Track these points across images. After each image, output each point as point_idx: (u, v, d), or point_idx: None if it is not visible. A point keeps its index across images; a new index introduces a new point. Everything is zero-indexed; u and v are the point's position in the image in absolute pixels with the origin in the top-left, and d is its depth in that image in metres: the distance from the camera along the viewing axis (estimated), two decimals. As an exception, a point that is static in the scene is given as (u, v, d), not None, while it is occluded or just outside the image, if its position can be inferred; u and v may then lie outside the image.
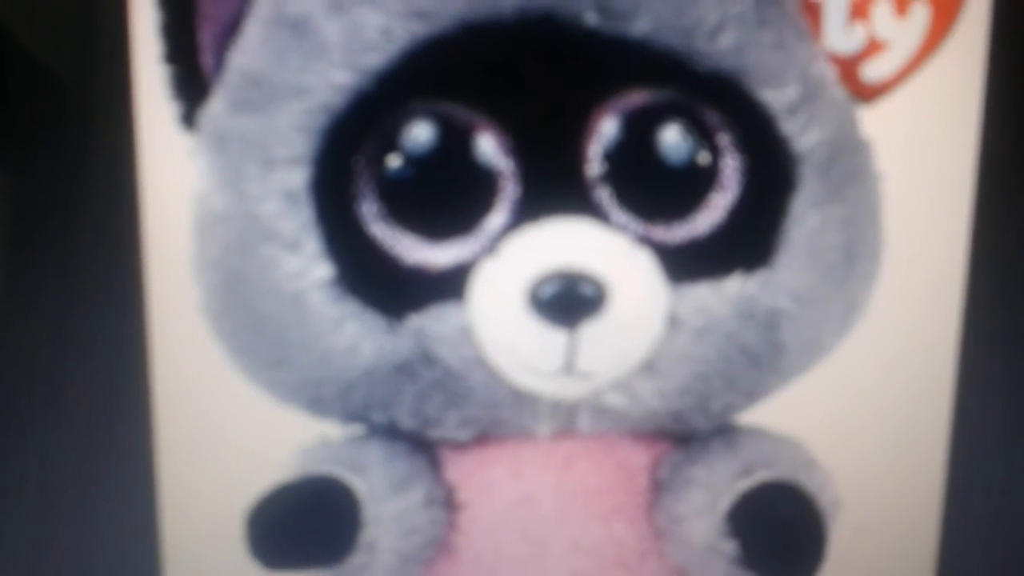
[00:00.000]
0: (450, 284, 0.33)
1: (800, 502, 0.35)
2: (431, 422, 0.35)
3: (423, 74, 0.32)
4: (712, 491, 0.35)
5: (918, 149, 0.35)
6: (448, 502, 0.36)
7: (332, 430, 0.36)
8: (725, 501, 0.35)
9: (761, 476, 0.35)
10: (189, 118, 0.34)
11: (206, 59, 0.33)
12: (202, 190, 0.34)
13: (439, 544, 0.36)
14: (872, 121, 0.34)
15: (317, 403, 0.35)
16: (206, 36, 0.33)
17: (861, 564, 0.37)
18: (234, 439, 0.36)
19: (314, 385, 0.35)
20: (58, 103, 0.41)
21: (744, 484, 0.35)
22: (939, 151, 0.35)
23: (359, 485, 0.35)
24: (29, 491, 0.42)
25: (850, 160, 0.34)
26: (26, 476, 0.42)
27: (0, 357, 0.42)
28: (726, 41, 0.32)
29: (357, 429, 0.36)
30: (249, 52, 0.33)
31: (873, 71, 0.34)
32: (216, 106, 0.33)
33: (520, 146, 0.32)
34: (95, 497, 0.42)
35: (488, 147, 0.33)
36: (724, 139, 0.33)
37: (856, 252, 0.35)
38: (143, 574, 0.37)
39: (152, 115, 0.34)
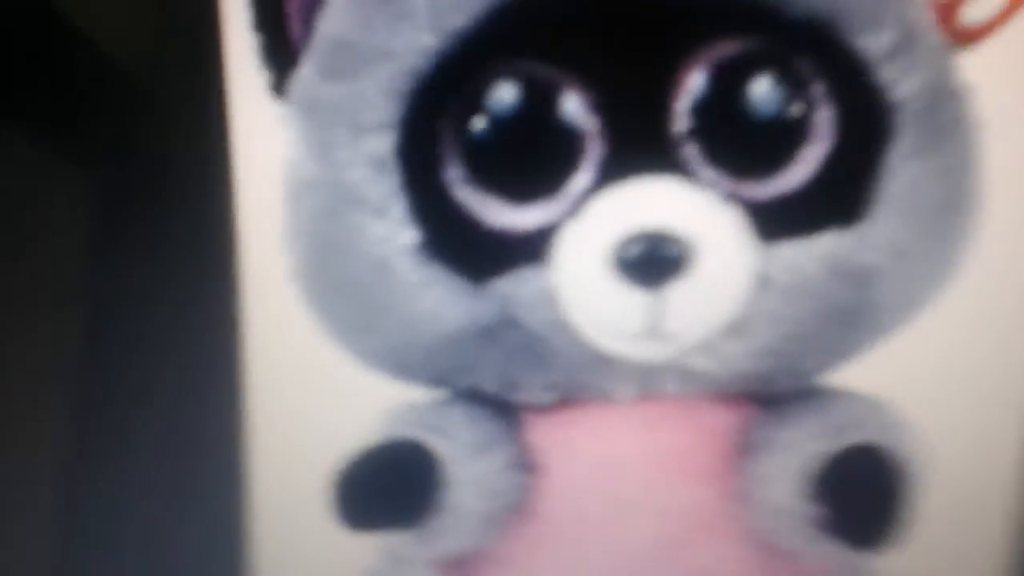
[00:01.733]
0: (534, 247, 0.32)
1: (887, 466, 0.33)
2: (514, 386, 0.34)
3: (507, 34, 0.30)
4: (798, 454, 0.33)
5: (1019, 95, 0.32)
6: (529, 465, 0.34)
7: (417, 394, 0.34)
8: (810, 464, 0.33)
9: (848, 439, 0.33)
10: (279, 86, 0.33)
11: (294, 27, 0.32)
12: (292, 158, 0.33)
13: (519, 506, 0.34)
14: (970, 67, 0.32)
15: (403, 367, 0.34)
16: (293, 4, 0.32)
17: (945, 525, 0.34)
18: (323, 403, 0.35)
19: (400, 349, 0.33)
20: (151, 77, 0.40)
21: (830, 447, 0.33)
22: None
23: (442, 448, 0.33)
24: (122, 449, 0.42)
25: (948, 108, 0.32)
26: (120, 435, 0.42)
27: (104, 316, 0.42)
28: None
29: (441, 393, 0.34)
30: (336, 19, 0.32)
31: (973, 14, 0.32)
32: (305, 73, 0.32)
33: (605, 104, 0.31)
34: (187, 457, 0.41)
35: (572, 106, 0.31)
36: (817, 89, 0.31)
37: (954, 204, 0.32)
38: (231, 532, 0.36)
39: (243, 84, 0.33)
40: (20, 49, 0.39)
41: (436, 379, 0.34)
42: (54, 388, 0.42)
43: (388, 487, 0.34)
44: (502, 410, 0.34)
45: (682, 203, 0.31)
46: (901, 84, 0.31)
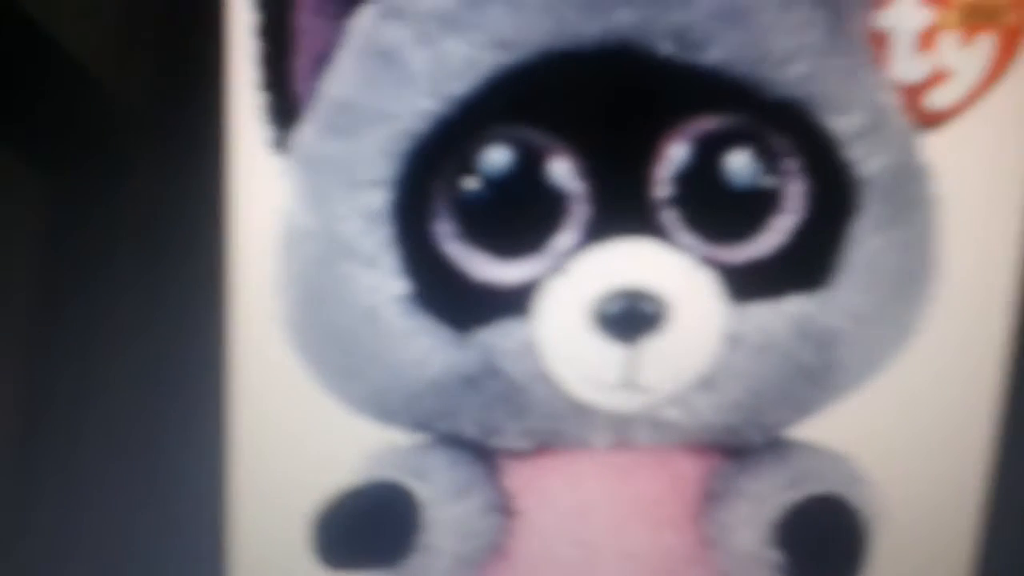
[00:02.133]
0: (517, 301, 0.33)
1: (846, 516, 0.34)
2: (493, 432, 0.34)
3: (503, 101, 0.31)
4: (760, 502, 0.34)
5: (976, 175, 0.34)
6: (505, 508, 0.35)
7: (399, 438, 0.35)
8: (773, 512, 0.34)
9: (809, 489, 0.34)
10: (280, 141, 0.33)
11: (299, 87, 0.33)
12: (289, 208, 0.34)
13: (495, 548, 0.35)
14: (932, 147, 0.33)
15: (386, 412, 0.35)
16: (300, 65, 0.33)
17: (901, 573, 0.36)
18: (306, 444, 0.35)
19: (384, 395, 0.34)
20: (156, 126, 0.41)
21: (792, 496, 0.34)
22: (997, 177, 0.34)
23: (421, 490, 0.34)
24: (102, 491, 0.42)
25: (911, 185, 0.33)
26: (101, 476, 0.42)
27: (92, 359, 0.42)
28: (796, 70, 0.31)
29: (422, 437, 0.35)
30: (340, 81, 0.33)
31: (937, 99, 0.33)
32: (307, 131, 0.33)
33: (592, 169, 0.32)
34: (171, 498, 0.41)
35: (561, 171, 0.32)
36: (791, 164, 0.32)
37: (913, 274, 0.34)
38: (213, 571, 0.37)
39: (244, 138, 0.34)
40: (26, 84, 0.40)
41: (418, 424, 0.35)
42: (21, 423, 0.42)
43: (368, 528, 0.34)
44: (481, 455, 0.35)
45: (660, 264, 0.32)
46: (869, 162, 0.32)
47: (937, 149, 0.33)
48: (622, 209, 0.32)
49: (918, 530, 0.36)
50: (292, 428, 0.35)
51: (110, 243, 0.41)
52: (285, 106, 0.33)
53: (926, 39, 0.33)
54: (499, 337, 0.33)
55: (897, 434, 0.35)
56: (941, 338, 0.35)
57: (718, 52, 0.31)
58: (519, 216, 0.32)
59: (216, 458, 0.36)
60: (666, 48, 0.31)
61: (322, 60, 0.32)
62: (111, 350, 0.42)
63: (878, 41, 0.33)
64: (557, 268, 0.32)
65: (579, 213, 0.32)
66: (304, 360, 0.35)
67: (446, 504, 0.34)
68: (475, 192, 0.32)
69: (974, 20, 0.33)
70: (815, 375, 0.34)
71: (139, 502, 0.42)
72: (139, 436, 0.42)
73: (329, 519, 0.34)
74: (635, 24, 0.31)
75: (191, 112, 0.36)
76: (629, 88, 0.31)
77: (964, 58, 0.33)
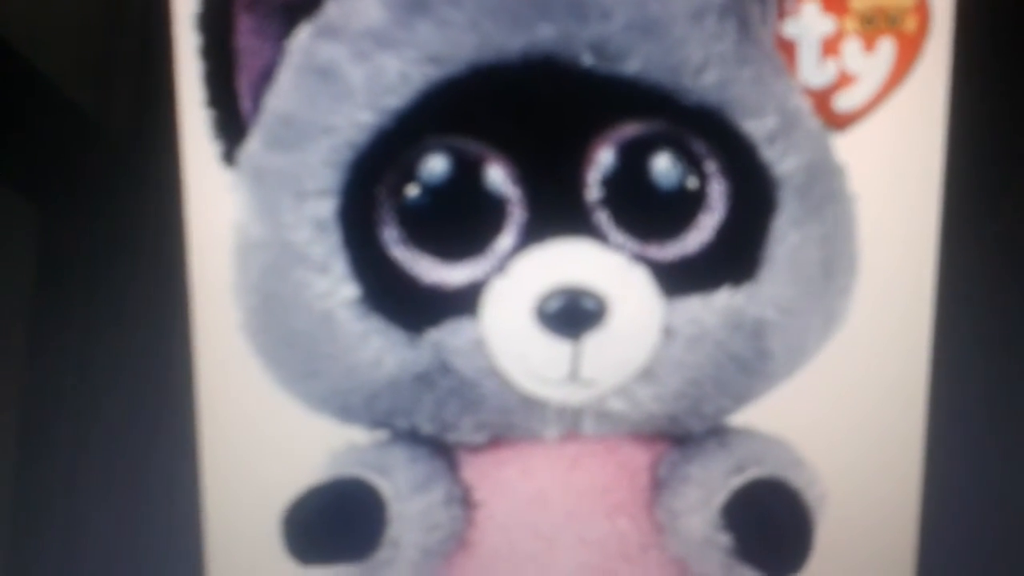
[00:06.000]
0: (464, 301, 0.34)
1: (788, 497, 0.35)
2: (448, 427, 0.35)
3: (437, 112, 0.32)
4: (707, 488, 0.35)
5: (888, 172, 0.35)
6: (465, 500, 0.36)
7: (359, 436, 0.36)
8: (719, 497, 0.35)
9: (752, 473, 0.35)
10: (229, 156, 0.35)
11: (244, 103, 0.34)
12: (241, 220, 0.35)
13: (458, 539, 0.36)
14: (845, 147, 0.35)
15: (345, 411, 0.36)
16: (244, 83, 0.34)
17: (845, 554, 0.37)
18: (271, 445, 0.36)
19: (342, 395, 0.35)
20: (109, 145, 0.42)
21: (736, 481, 0.35)
22: (907, 173, 0.35)
23: (384, 486, 0.35)
24: (77, 494, 0.43)
25: (826, 183, 0.34)
26: (74, 481, 0.43)
27: (58, 372, 0.43)
28: (710, 77, 0.32)
29: (382, 434, 0.36)
30: (282, 96, 0.34)
31: (844, 102, 0.35)
32: (253, 145, 0.34)
33: (526, 175, 0.33)
34: (145, 500, 0.42)
35: (497, 177, 0.33)
36: (711, 166, 0.33)
37: (834, 267, 0.35)
38: (187, 570, 0.38)
39: (196, 153, 0.35)
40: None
41: (377, 421, 0.35)
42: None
43: (335, 523, 0.35)
44: (439, 450, 0.36)
45: (596, 263, 0.33)
46: (783, 162, 0.33)
47: (850, 149, 0.34)
48: (557, 211, 0.33)
49: (859, 510, 0.37)
50: (258, 430, 0.36)
51: (75, 258, 0.42)
52: (232, 122, 0.34)
53: (830, 46, 0.34)
54: (449, 336, 0.34)
55: (833, 419, 0.36)
56: (867, 326, 0.36)
57: (636, 63, 0.32)
58: (460, 221, 0.33)
59: (188, 460, 0.37)
60: (587, 60, 0.32)
61: (264, 77, 0.33)
62: (78, 359, 0.42)
63: (785, 49, 0.34)
64: (499, 269, 0.33)
65: (517, 216, 0.33)
66: (265, 364, 0.35)
67: (409, 498, 0.35)
68: (417, 199, 0.33)
69: (874, 27, 0.34)
70: (748, 364, 0.35)
71: (114, 504, 0.42)
72: (112, 441, 0.42)
73: (297, 516, 0.35)
74: (556, 38, 0.32)
75: (145, 130, 0.37)
76: (555, 97, 0.32)
77: (867, 63, 0.34)
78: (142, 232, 0.40)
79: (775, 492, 0.35)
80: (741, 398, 0.36)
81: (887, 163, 0.35)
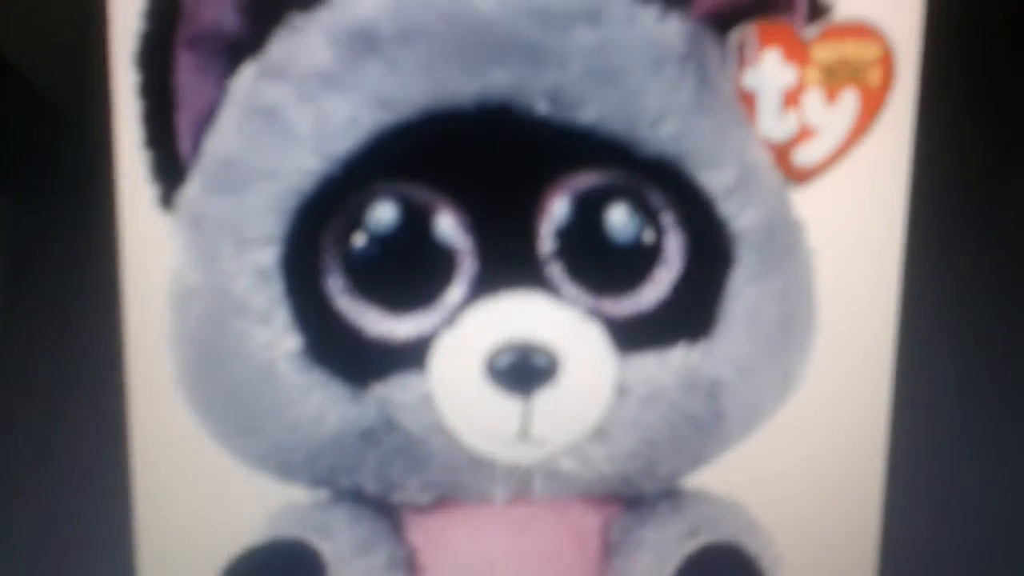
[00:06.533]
0: (412, 354, 0.33)
1: (743, 563, 0.35)
2: (394, 486, 0.35)
3: (386, 158, 0.32)
4: (660, 553, 0.35)
5: (850, 227, 0.35)
6: (410, 564, 0.35)
7: (300, 495, 0.35)
8: (672, 562, 0.34)
9: (706, 538, 0.35)
10: (167, 199, 0.34)
11: (183, 144, 0.33)
12: (178, 267, 0.34)
13: None
14: (804, 201, 0.34)
15: (285, 469, 0.35)
16: (183, 123, 0.33)
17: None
18: (208, 504, 0.35)
19: (282, 452, 0.34)
20: (44, 185, 0.41)
21: (690, 546, 0.34)
22: (869, 228, 0.35)
23: (325, 547, 0.34)
24: (5, 554, 0.42)
25: (784, 238, 0.34)
26: (8, 539, 0.42)
27: None
28: (668, 128, 0.32)
29: (323, 494, 0.35)
30: (224, 138, 0.33)
31: (805, 155, 0.34)
32: (193, 188, 0.33)
33: (477, 225, 0.33)
34: (79, 559, 0.41)
35: (447, 226, 0.33)
36: (667, 218, 0.33)
37: (792, 324, 0.35)
38: None
39: (133, 196, 0.34)
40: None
41: (318, 480, 0.35)
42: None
43: None
44: (383, 510, 0.35)
45: (548, 317, 0.32)
46: (742, 216, 0.33)
47: (809, 203, 0.34)
48: (509, 263, 0.33)
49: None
50: (194, 487, 0.35)
51: (4, 309, 0.41)
52: (170, 164, 0.33)
53: (791, 98, 0.34)
54: (395, 391, 0.33)
55: (789, 481, 0.36)
56: (825, 386, 0.35)
57: (592, 112, 0.32)
58: (408, 271, 0.33)
59: (121, 518, 0.36)
60: (542, 108, 0.31)
61: (205, 118, 0.33)
62: (5, 416, 0.41)
63: (746, 100, 0.34)
64: (449, 322, 0.33)
65: (467, 267, 0.33)
66: (201, 418, 0.34)
67: (350, 561, 0.34)
68: (364, 248, 0.33)
69: (837, 79, 0.34)
70: (704, 425, 0.34)
71: (46, 564, 0.41)
72: (41, 495, 0.41)
73: None
74: (510, 85, 0.31)
75: (81, 170, 0.36)
76: (509, 145, 0.32)
77: (829, 115, 0.34)
78: (76, 278, 0.39)
79: (730, 558, 0.35)
80: (696, 459, 0.35)
81: (848, 218, 0.35)
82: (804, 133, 0.34)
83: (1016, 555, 0.43)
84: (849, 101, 0.34)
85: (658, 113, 0.32)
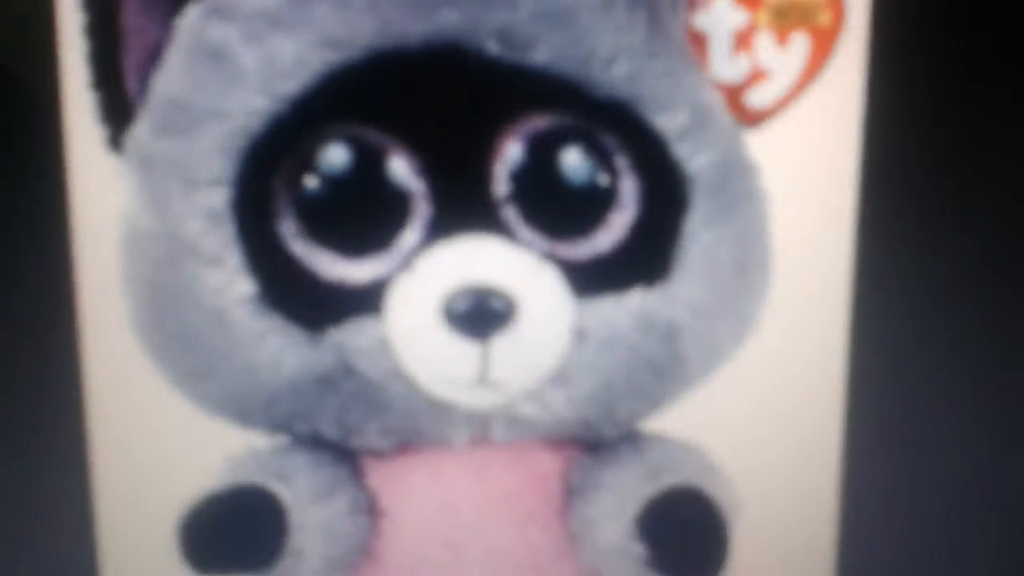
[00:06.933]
0: (367, 299, 0.33)
1: (703, 505, 0.35)
2: (352, 432, 0.34)
3: (337, 99, 0.31)
4: (620, 495, 0.35)
5: (803, 169, 0.35)
6: (371, 509, 0.35)
7: (259, 440, 0.35)
8: (633, 505, 0.34)
9: (666, 481, 0.35)
10: (116, 141, 0.33)
11: (131, 85, 0.33)
12: (129, 210, 0.33)
13: (363, 549, 0.35)
14: (758, 144, 0.34)
15: (243, 415, 0.35)
16: (130, 63, 0.33)
17: (762, 562, 0.37)
18: (166, 450, 0.35)
19: (239, 397, 0.34)
20: None
21: (650, 489, 0.35)
22: (822, 171, 0.35)
23: (285, 493, 0.34)
24: None
25: (739, 181, 0.34)
26: None
27: None
28: (620, 70, 0.32)
29: (282, 439, 0.35)
30: (171, 78, 0.32)
31: (757, 98, 0.34)
32: (141, 129, 0.33)
33: (430, 168, 0.32)
34: (34, 507, 0.41)
35: (400, 169, 0.32)
36: (621, 161, 0.33)
37: (748, 267, 0.35)
38: None
39: (81, 138, 0.33)
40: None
41: (277, 426, 0.35)
42: None
43: (234, 532, 0.34)
44: (343, 456, 0.35)
45: (504, 261, 0.32)
46: (695, 159, 0.33)
47: (763, 146, 0.34)
48: (464, 206, 0.32)
49: (776, 517, 0.37)
50: (152, 433, 0.35)
51: None
52: (118, 104, 0.33)
53: (742, 40, 0.34)
54: (352, 336, 0.33)
55: (748, 424, 0.36)
56: (782, 329, 0.35)
57: (544, 53, 0.31)
58: (362, 214, 0.33)
59: (77, 465, 0.36)
60: (493, 48, 0.31)
61: (152, 58, 0.32)
62: None
63: (697, 42, 0.33)
64: (404, 266, 0.32)
65: (422, 211, 0.32)
66: (157, 363, 0.34)
67: (311, 506, 0.34)
68: (316, 191, 0.32)
69: (787, 21, 0.34)
70: (662, 368, 0.34)
71: (4, 511, 0.41)
72: None
73: (194, 524, 0.34)
74: (460, 25, 0.31)
75: (28, 113, 0.35)
76: (461, 87, 0.31)
77: (780, 58, 0.34)
78: (25, 221, 0.38)
79: (690, 500, 0.35)
80: (655, 402, 0.35)
81: (801, 161, 0.35)
82: (756, 75, 0.34)
83: (980, 489, 0.44)
84: (800, 43, 0.34)
85: (609, 54, 0.32)
